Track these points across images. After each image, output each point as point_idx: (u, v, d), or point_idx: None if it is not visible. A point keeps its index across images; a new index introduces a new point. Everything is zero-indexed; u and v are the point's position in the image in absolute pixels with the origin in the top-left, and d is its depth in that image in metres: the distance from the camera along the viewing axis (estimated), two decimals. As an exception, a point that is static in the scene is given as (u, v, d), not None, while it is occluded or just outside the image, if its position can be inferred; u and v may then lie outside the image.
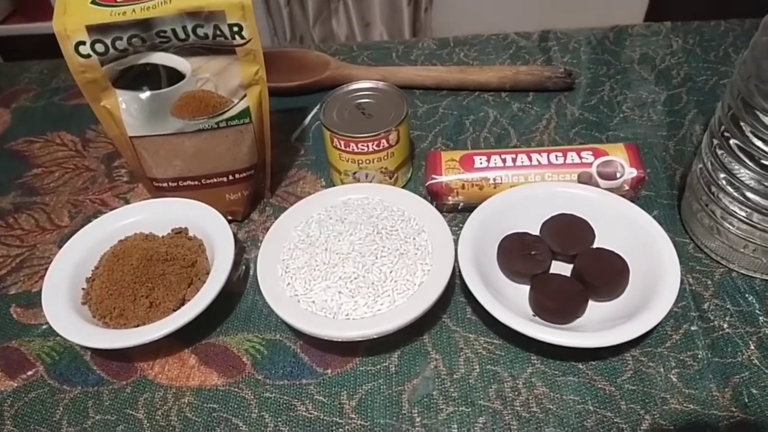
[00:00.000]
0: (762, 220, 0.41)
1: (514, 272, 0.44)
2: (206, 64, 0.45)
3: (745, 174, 0.40)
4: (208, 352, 0.44)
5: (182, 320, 0.41)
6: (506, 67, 0.64)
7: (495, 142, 0.58)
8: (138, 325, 0.42)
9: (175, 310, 0.43)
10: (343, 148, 0.49)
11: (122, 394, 0.42)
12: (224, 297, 0.44)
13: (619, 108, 0.60)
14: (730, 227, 0.43)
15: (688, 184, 0.48)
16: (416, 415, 0.39)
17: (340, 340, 0.40)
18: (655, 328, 0.39)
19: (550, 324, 0.41)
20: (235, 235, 0.46)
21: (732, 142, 0.40)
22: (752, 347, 0.41)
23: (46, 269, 0.45)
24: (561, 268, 0.45)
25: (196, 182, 0.50)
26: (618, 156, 0.48)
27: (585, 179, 0.48)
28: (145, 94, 0.45)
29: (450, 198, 0.50)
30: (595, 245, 0.45)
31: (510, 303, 0.41)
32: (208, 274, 0.44)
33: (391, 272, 0.41)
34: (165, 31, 0.42)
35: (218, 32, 0.43)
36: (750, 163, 0.39)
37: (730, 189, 0.42)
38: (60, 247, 0.47)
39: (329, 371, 0.42)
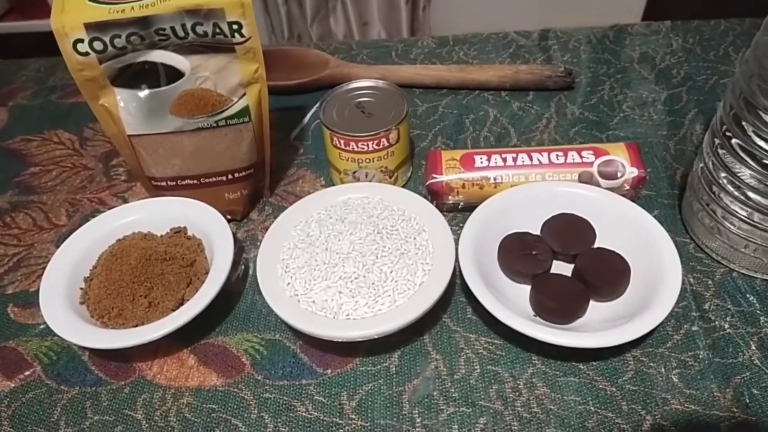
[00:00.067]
0: (763, 219, 0.41)
1: (514, 272, 0.44)
2: (205, 62, 0.44)
3: (746, 173, 0.40)
4: (207, 353, 0.43)
5: (181, 320, 0.40)
6: (506, 66, 0.64)
7: (495, 141, 0.58)
8: (136, 325, 0.42)
9: (174, 310, 0.42)
10: (343, 147, 0.49)
11: (120, 395, 0.41)
12: (223, 297, 0.44)
13: (620, 107, 0.60)
14: (731, 227, 0.43)
15: (689, 183, 0.48)
16: (417, 415, 0.39)
17: (340, 340, 0.40)
18: (656, 328, 0.39)
19: (551, 324, 0.40)
20: (234, 234, 0.46)
21: (734, 141, 0.40)
22: (753, 347, 0.40)
23: (44, 268, 0.45)
24: (562, 268, 0.45)
25: (195, 181, 0.50)
26: (619, 155, 0.48)
27: (586, 179, 0.48)
28: (144, 93, 0.45)
29: (450, 197, 0.50)
30: (596, 245, 0.45)
31: (511, 303, 0.41)
32: (207, 273, 0.44)
33: (391, 272, 0.41)
34: (164, 29, 0.42)
35: (218, 30, 0.42)
36: (751, 163, 0.39)
37: (731, 188, 0.42)
38: (57, 246, 0.47)
39: (329, 371, 0.42)
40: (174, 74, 0.44)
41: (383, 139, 0.48)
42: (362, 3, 1.53)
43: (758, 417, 0.37)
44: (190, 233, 0.48)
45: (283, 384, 0.41)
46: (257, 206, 0.54)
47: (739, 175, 0.41)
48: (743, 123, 0.39)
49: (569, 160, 0.48)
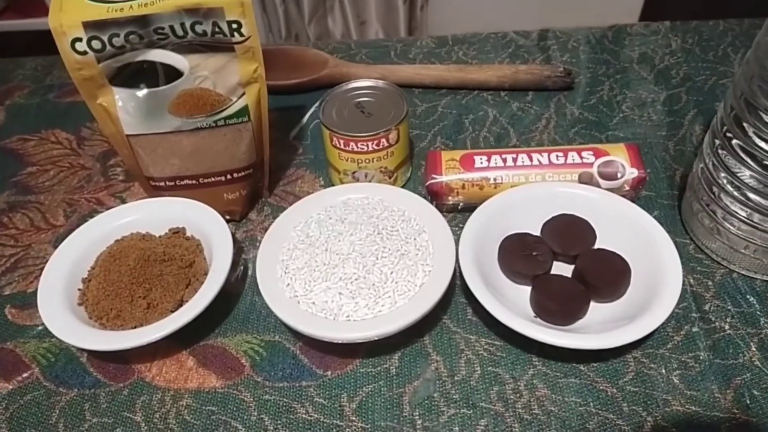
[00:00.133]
0: (763, 220, 0.41)
1: (515, 273, 0.44)
2: (204, 61, 0.44)
3: (746, 174, 0.40)
4: (207, 354, 0.43)
5: (180, 321, 0.40)
6: (505, 66, 0.64)
7: (494, 141, 0.58)
8: (135, 327, 0.42)
9: (172, 311, 0.42)
10: (342, 147, 0.49)
11: (119, 397, 0.41)
12: (222, 298, 0.44)
13: (619, 108, 0.60)
14: (731, 228, 0.43)
15: (689, 184, 0.48)
16: (417, 417, 0.39)
17: (340, 341, 0.40)
18: (656, 329, 0.39)
19: (552, 325, 0.40)
20: (233, 234, 0.46)
21: (734, 142, 0.40)
22: (753, 348, 0.41)
23: (42, 269, 0.44)
24: (562, 268, 0.45)
25: (194, 181, 0.50)
26: (619, 156, 0.48)
27: (586, 179, 0.48)
28: (143, 92, 0.45)
29: (450, 198, 0.50)
30: (596, 246, 0.45)
31: (511, 304, 0.41)
32: (206, 274, 0.44)
33: (392, 273, 0.41)
34: (163, 28, 0.41)
35: (217, 29, 0.42)
36: (752, 164, 0.39)
37: (731, 189, 0.42)
38: (55, 246, 0.47)
39: (329, 373, 0.41)
40: (173, 73, 0.44)
41: (383, 140, 0.48)
42: (360, 2, 1.53)
43: (759, 418, 0.37)
44: (188, 234, 0.48)
45: (283, 386, 0.41)
46: (256, 206, 0.54)
47: (739, 175, 0.41)
48: (744, 124, 0.39)
49: (569, 161, 0.48)
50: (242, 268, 0.49)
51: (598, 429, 0.37)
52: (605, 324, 0.40)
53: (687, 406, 0.38)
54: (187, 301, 0.43)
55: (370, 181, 0.51)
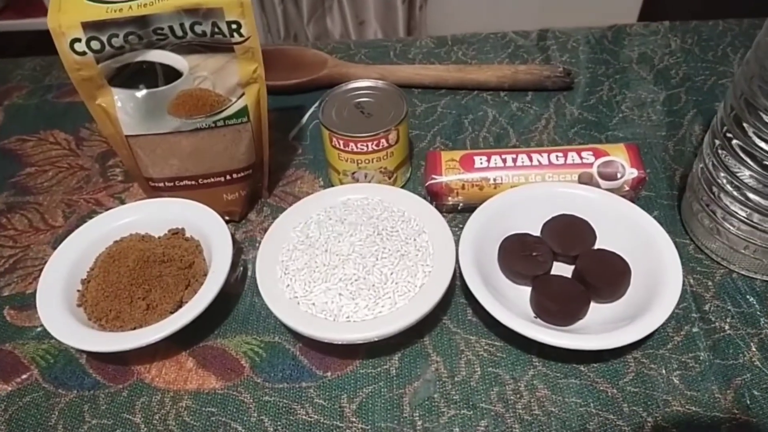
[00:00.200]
0: (762, 220, 0.41)
1: (515, 273, 0.44)
2: (204, 62, 0.44)
3: (746, 174, 0.40)
4: (206, 355, 0.43)
5: (180, 323, 0.40)
6: (505, 66, 0.64)
7: (494, 141, 0.58)
8: (135, 328, 0.41)
9: (172, 313, 0.42)
10: (342, 147, 0.49)
11: (119, 398, 0.41)
12: (222, 299, 0.44)
13: (618, 108, 0.60)
14: (731, 228, 0.43)
15: (689, 184, 0.48)
16: (417, 418, 0.39)
17: (340, 342, 0.40)
18: (656, 329, 0.39)
19: (552, 326, 0.40)
20: (232, 235, 0.46)
21: (734, 142, 0.40)
22: (754, 349, 0.40)
23: (40, 270, 0.44)
24: (562, 269, 0.45)
25: (193, 182, 0.50)
26: (619, 156, 0.48)
27: (586, 180, 0.48)
28: (142, 93, 0.45)
29: (450, 198, 0.50)
30: (596, 246, 0.45)
31: (511, 304, 0.41)
32: (205, 275, 0.44)
33: (392, 274, 0.41)
34: (162, 29, 0.41)
35: (216, 29, 0.42)
36: (752, 164, 0.39)
37: (730, 189, 0.42)
38: (54, 247, 0.47)
39: (329, 374, 0.41)
40: (172, 74, 0.44)
41: (383, 140, 0.48)
42: (359, 2, 1.53)
43: (759, 418, 0.37)
44: (188, 234, 0.48)
45: (283, 387, 0.41)
46: (255, 207, 0.54)
47: (739, 176, 0.41)
48: (744, 124, 0.39)
49: (569, 161, 0.48)
50: (242, 268, 0.49)
51: (598, 429, 0.37)
52: (605, 324, 0.40)
53: (687, 407, 0.38)
54: (186, 302, 0.43)
55: (369, 182, 0.51)
